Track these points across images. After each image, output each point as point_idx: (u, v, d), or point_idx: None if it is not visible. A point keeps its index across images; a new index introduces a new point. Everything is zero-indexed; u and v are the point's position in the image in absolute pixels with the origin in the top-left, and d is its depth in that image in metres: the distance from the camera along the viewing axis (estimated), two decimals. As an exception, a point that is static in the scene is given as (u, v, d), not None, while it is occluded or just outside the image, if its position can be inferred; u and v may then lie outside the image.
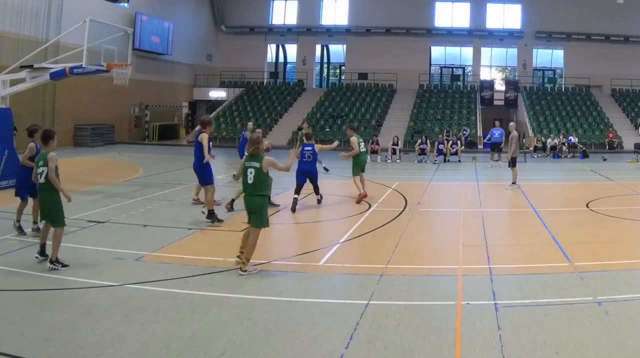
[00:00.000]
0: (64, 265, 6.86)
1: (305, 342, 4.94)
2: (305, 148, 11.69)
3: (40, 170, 6.93)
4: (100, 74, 16.04)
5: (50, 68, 14.48)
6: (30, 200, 8.40)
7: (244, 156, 7.32)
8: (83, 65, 13.88)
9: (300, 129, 20.69)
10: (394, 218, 10.36)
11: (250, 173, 6.99)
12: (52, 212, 7.00)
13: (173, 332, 5.11)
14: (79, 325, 5.25)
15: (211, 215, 9.77)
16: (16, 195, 8.63)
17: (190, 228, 9.20)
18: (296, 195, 11.30)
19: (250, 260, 6.94)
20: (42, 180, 6.93)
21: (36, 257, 7.09)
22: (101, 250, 7.79)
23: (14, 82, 14.59)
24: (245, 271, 6.82)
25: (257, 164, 6.99)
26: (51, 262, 6.85)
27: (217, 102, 35.68)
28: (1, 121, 13.69)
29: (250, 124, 16.80)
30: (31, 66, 14.70)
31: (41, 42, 20.15)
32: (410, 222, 10.13)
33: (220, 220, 9.74)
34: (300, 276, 6.96)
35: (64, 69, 14.29)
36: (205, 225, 9.63)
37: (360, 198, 12.06)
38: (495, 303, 5.83)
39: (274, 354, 4.71)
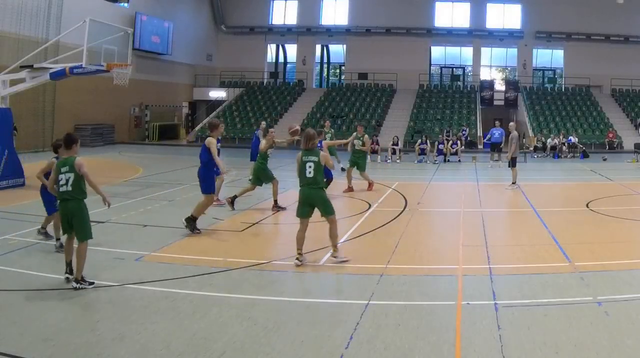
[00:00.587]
0: (90, 283, 6.20)
1: (305, 342, 4.94)
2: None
3: (65, 176, 6.19)
4: (100, 74, 16.04)
5: (50, 68, 14.49)
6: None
7: (301, 151, 7.46)
8: (83, 65, 13.88)
9: (322, 127, 20.61)
10: (394, 218, 10.36)
11: (310, 167, 7.27)
12: (78, 224, 6.24)
13: (173, 332, 5.11)
14: (79, 325, 5.25)
15: (191, 223, 8.96)
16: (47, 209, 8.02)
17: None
18: None
19: (248, 260, 6.94)
20: (67, 188, 6.19)
21: (67, 278, 6.30)
22: (101, 250, 7.77)
23: (14, 82, 14.60)
24: (336, 257, 7.32)
25: (315, 159, 7.30)
26: (76, 281, 6.16)
27: (217, 102, 35.69)
28: (1, 121, 13.70)
29: (263, 124, 16.76)
30: (31, 66, 14.71)
31: (41, 42, 20.16)
32: (410, 222, 10.13)
33: (198, 231, 8.98)
34: (300, 276, 6.96)
35: (64, 69, 14.29)
36: (206, 224, 9.62)
37: (349, 190, 13.39)
38: (495, 303, 5.83)
39: (274, 354, 4.71)
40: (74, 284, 6.15)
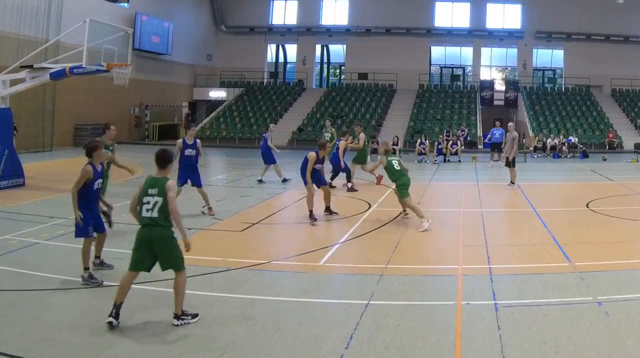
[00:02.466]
0: (193, 316, 5.37)
1: (305, 342, 4.94)
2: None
3: (153, 200, 5.26)
4: (100, 74, 16.04)
5: (50, 68, 14.49)
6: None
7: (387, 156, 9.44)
8: (83, 65, 13.87)
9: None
10: (394, 219, 10.36)
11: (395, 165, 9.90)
12: (169, 253, 5.30)
13: (173, 332, 5.11)
14: (79, 325, 5.24)
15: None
16: (79, 235, 6.62)
17: (190, 229, 9.15)
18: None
19: (248, 260, 6.93)
20: (152, 213, 5.25)
21: (109, 323, 5.14)
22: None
23: (14, 82, 14.60)
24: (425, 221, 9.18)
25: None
26: (177, 317, 5.24)
27: (217, 102, 35.68)
28: (1, 121, 13.69)
29: (271, 126, 16.88)
30: (31, 66, 14.71)
31: (41, 42, 20.17)
32: (410, 222, 10.12)
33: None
34: (300, 276, 6.96)
35: (64, 69, 14.29)
36: (207, 224, 9.62)
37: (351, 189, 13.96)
38: (495, 303, 5.82)
39: (274, 354, 4.71)
40: (176, 321, 5.22)
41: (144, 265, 5.35)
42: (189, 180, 10.47)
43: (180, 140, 10.78)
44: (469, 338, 4.98)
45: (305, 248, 8.19)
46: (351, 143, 14.81)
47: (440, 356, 4.69)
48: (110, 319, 5.15)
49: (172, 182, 5.38)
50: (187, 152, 10.53)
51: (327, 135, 16.55)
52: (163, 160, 5.49)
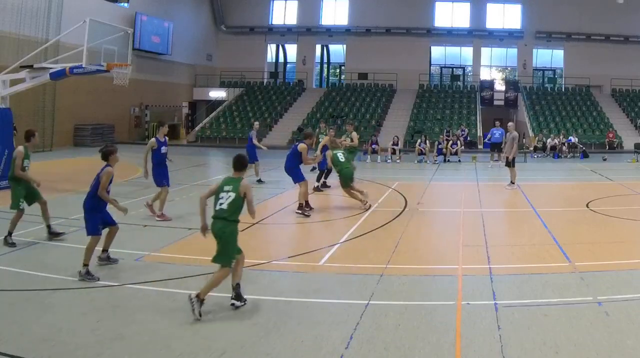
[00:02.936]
0: (244, 301, 5.74)
1: (305, 342, 4.94)
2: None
3: (226, 195, 5.75)
4: (100, 74, 16.04)
5: (50, 68, 14.50)
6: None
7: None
8: (83, 65, 13.88)
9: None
10: (394, 218, 10.36)
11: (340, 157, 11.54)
12: (223, 247, 5.72)
13: (173, 332, 5.11)
14: (79, 325, 5.25)
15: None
16: (91, 232, 6.87)
17: (190, 229, 9.18)
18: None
19: (248, 260, 6.93)
20: (223, 206, 5.73)
21: (232, 305, 5.62)
22: (101, 250, 7.78)
23: (14, 82, 14.60)
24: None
25: None
26: (198, 297, 5.44)
27: (217, 102, 35.68)
28: (1, 121, 13.68)
29: (256, 124, 16.75)
30: (31, 66, 14.72)
31: (41, 42, 20.18)
32: (410, 222, 10.13)
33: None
34: (300, 276, 6.96)
35: (64, 69, 14.29)
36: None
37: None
38: (495, 303, 5.83)
39: (274, 354, 4.71)
40: (193, 298, 5.44)
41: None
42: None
43: (153, 139, 10.60)
44: (469, 338, 4.99)
45: (305, 248, 8.19)
46: (344, 141, 14.99)
47: (440, 356, 4.69)
48: (232, 301, 5.67)
49: (247, 182, 5.92)
50: (163, 149, 10.53)
51: (323, 137, 16.65)
52: (240, 164, 6.03)
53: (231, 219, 5.74)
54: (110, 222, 7.19)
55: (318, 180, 14.17)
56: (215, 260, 5.71)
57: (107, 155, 6.99)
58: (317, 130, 18.15)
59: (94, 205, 6.87)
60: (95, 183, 6.87)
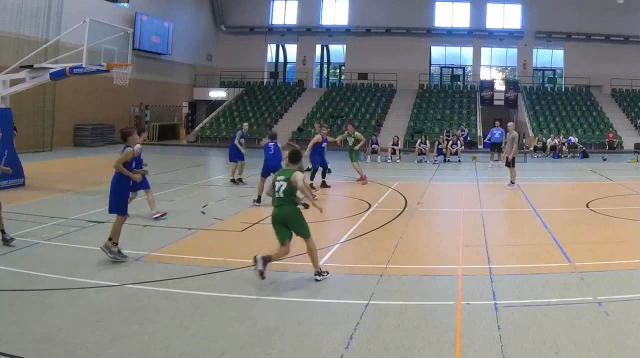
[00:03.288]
0: (326, 272, 6.75)
1: (305, 342, 4.94)
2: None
3: (278, 184, 6.64)
4: (100, 74, 16.03)
5: (50, 68, 14.48)
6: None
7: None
8: (83, 65, 13.86)
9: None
10: (394, 218, 10.36)
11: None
12: (297, 225, 6.66)
13: (173, 332, 5.11)
14: (79, 325, 5.25)
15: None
16: (115, 211, 7.45)
17: (190, 229, 9.20)
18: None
19: (248, 260, 6.94)
20: (280, 194, 6.62)
21: (316, 279, 6.66)
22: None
23: (14, 82, 14.59)
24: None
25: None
26: (318, 273, 6.66)
27: (217, 102, 35.68)
28: (1, 121, 13.67)
29: (246, 125, 16.41)
30: (31, 66, 14.70)
31: (41, 42, 20.17)
32: (410, 222, 10.13)
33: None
34: (300, 276, 6.96)
35: (64, 69, 14.28)
36: (206, 224, 9.62)
37: (363, 181, 14.66)
38: (495, 303, 5.83)
39: (274, 354, 4.71)
40: (318, 277, 6.64)
41: (285, 236, 6.67)
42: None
43: (138, 146, 10.46)
44: (469, 338, 4.99)
45: (306, 248, 8.18)
46: (340, 141, 15.57)
47: (440, 356, 4.69)
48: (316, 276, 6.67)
49: (299, 173, 6.69)
50: (142, 156, 10.44)
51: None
52: (295, 158, 6.96)
53: (289, 201, 6.65)
54: (146, 186, 8.48)
55: (312, 178, 14.32)
56: (299, 236, 6.70)
57: (125, 136, 7.64)
58: (313, 130, 18.26)
59: (122, 182, 7.53)
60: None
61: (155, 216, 10.07)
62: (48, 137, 24.24)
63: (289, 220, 6.63)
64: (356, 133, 15.55)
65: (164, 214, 10.14)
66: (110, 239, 7.31)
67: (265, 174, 11.65)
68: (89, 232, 9.08)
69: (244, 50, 38.03)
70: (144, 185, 9.98)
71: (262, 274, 6.33)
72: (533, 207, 11.71)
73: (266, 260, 6.42)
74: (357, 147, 15.37)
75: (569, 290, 6.33)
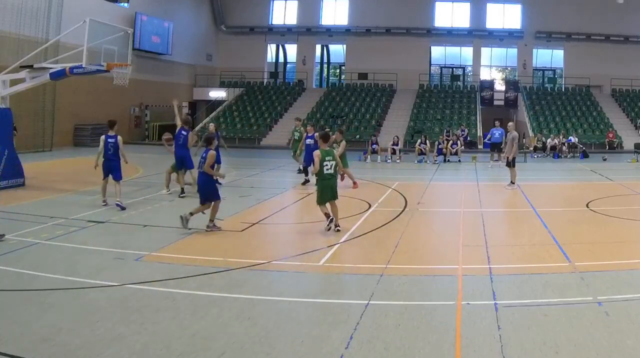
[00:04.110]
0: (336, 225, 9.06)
1: (305, 342, 4.94)
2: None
3: (329, 163, 9.06)
4: (100, 74, 16.02)
5: (50, 68, 14.47)
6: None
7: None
8: (83, 65, 13.85)
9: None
10: (394, 218, 10.36)
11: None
12: (336, 192, 9.23)
13: (173, 332, 5.11)
14: (79, 325, 5.24)
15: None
16: (207, 200, 9.13)
17: (190, 229, 9.19)
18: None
19: (248, 260, 6.95)
20: (331, 171, 9.10)
21: (337, 230, 9.03)
22: (101, 250, 7.79)
23: (14, 82, 14.58)
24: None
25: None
26: (336, 225, 9.03)
27: (217, 102, 35.68)
28: (1, 121, 13.68)
29: (212, 126, 15.48)
30: (31, 66, 14.69)
31: (41, 42, 20.16)
32: (410, 222, 10.13)
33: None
34: (300, 276, 6.96)
35: (64, 69, 14.27)
36: (206, 225, 9.60)
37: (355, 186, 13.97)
38: (495, 303, 5.83)
39: (274, 354, 4.71)
40: (338, 228, 9.02)
41: (328, 199, 9.09)
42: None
43: (103, 136, 11.34)
44: (469, 338, 4.98)
45: (305, 248, 8.19)
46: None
47: (440, 356, 4.69)
48: (330, 225, 9.05)
49: (335, 151, 9.23)
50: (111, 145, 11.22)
51: (297, 134, 17.06)
52: (326, 137, 9.46)
53: (336, 176, 9.33)
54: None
55: (306, 174, 14.65)
56: (334, 199, 9.17)
57: (209, 141, 9.35)
58: (293, 127, 18.37)
59: (205, 180, 9.11)
60: (201, 163, 9.10)
61: (117, 203, 10.82)
62: (48, 137, 24.23)
63: (336, 187, 9.17)
64: (343, 142, 14.17)
65: (124, 209, 10.74)
66: (208, 218, 9.13)
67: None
68: (89, 232, 9.08)
69: (244, 50, 38.03)
70: (118, 175, 11.17)
71: (332, 221, 9.03)
72: (533, 207, 11.71)
73: (331, 219, 8.96)
74: (338, 153, 14.92)
75: (569, 290, 6.32)
